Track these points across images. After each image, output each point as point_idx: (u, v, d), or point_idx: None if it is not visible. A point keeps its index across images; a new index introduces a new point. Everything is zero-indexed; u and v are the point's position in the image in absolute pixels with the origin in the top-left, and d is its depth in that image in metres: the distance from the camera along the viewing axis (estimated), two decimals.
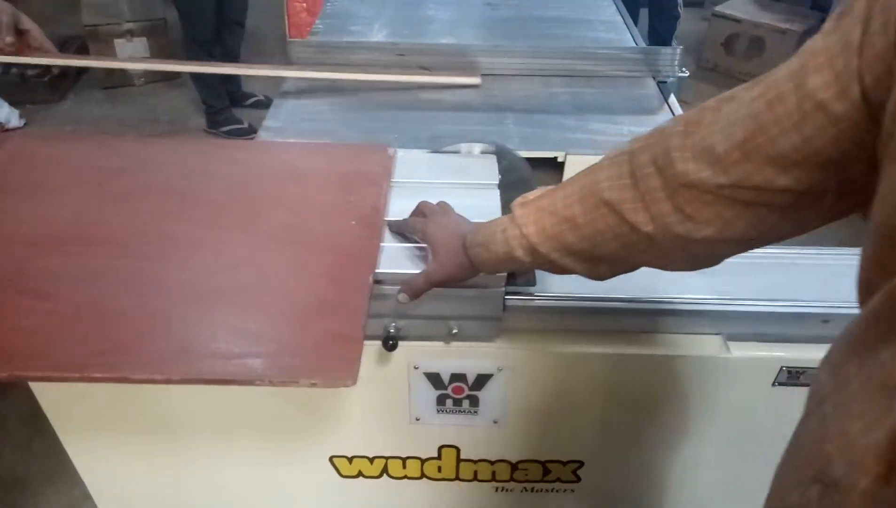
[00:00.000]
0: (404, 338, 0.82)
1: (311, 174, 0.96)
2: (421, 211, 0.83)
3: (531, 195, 0.67)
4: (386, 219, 0.87)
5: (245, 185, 0.94)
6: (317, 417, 0.92)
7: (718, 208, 0.52)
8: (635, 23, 3.61)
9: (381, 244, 0.83)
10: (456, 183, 0.94)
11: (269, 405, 0.90)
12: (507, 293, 0.81)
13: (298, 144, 1.06)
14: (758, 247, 0.57)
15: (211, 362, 0.69)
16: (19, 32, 1.09)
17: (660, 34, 3.53)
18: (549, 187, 0.67)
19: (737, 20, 3.65)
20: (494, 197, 0.91)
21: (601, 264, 0.65)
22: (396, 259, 0.80)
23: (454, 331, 0.82)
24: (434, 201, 0.85)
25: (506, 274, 0.79)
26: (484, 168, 0.98)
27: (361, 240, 0.83)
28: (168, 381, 0.68)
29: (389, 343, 0.80)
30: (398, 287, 0.76)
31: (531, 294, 0.84)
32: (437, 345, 0.84)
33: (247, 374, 0.68)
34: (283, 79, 1.25)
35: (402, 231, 0.85)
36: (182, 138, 0.98)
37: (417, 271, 0.76)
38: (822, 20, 3.34)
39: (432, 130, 1.07)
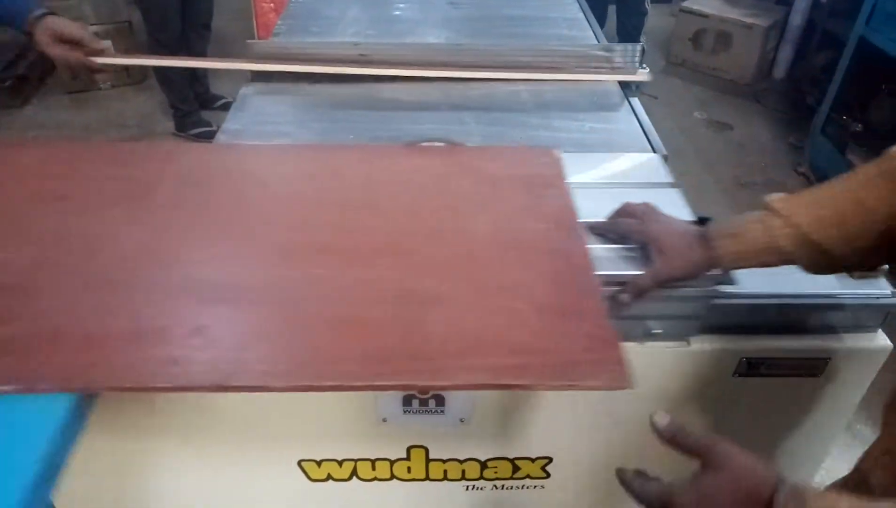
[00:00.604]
0: None
1: (491, 178, 0.94)
2: (629, 212, 0.82)
3: (778, 195, 0.73)
4: (582, 221, 0.86)
5: (430, 190, 0.92)
6: (284, 421, 0.91)
7: None
8: (603, 19, 3.66)
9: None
10: (635, 183, 0.94)
11: (236, 411, 0.89)
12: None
13: (464, 148, 1.04)
14: None
15: (484, 362, 0.68)
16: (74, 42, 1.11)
17: (628, 30, 3.56)
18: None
19: (704, 15, 3.70)
20: (677, 195, 0.91)
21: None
22: (601, 260, 0.80)
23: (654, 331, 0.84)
24: (611, 202, 0.85)
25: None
26: (646, 167, 0.98)
27: (567, 242, 0.82)
28: (454, 387, 0.69)
29: None
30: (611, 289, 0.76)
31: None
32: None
33: (527, 378, 0.67)
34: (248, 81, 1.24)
35: (607, 232, 0.84)
36: (342, 147, 0.96)
37: (640, 272, 0.77)
38: (787, 15, 3.38)
39: (392, 130, 1.07)
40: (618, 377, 0.67)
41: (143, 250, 0.81)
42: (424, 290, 0.76)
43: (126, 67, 3.56)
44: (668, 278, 0.76)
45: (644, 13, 3.51)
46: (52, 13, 1.13)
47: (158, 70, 3.09)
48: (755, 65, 3.62)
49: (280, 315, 0.73)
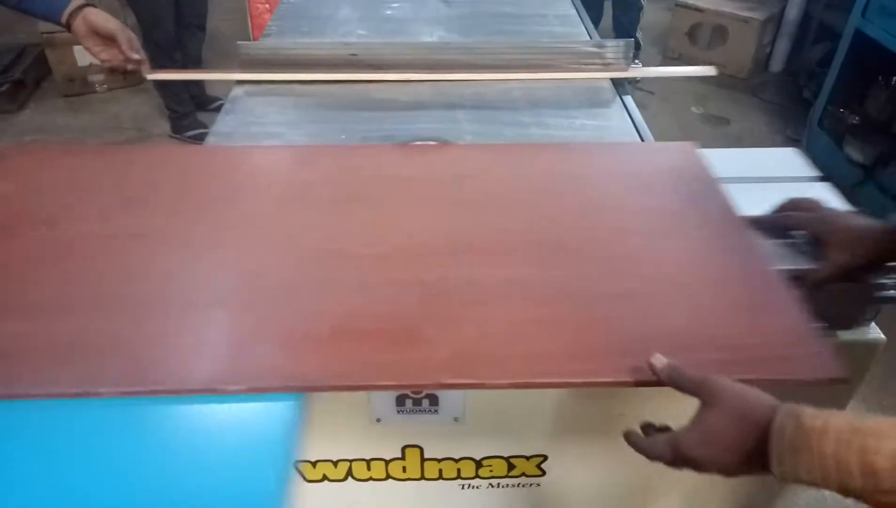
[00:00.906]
0: None
1: (635, 174, 0.94)
2: (797, 206, 0.82)
3: None
4: (745, 216, 0.85)
5: (574, 188, 0.92)
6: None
7: None
8: (599, 15, 3.66)
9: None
10: (782, 177, 0.93)
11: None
12: None
13: (600, 146, 1.04)
14: None
15: (691, 357, 0.67)
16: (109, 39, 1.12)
17: (624, 26, 3.56)
18: None
19: (699, 10, 3.69)
20: (826, 189, 0.90)
21: None
22: (773, 255, 0.80)
23: None
24: (760, 196, 0.84)
25: None
26: (784, 161, 0.97)
27: (737, 237, 0.82)
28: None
29: None
30: None
31: None
32: None
33: (749, 373, 0.66)
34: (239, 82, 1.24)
35: (773, 226, 0.83)
36: (491, 147, 0.97)
37: (813, 266, 0.76)
38: (784, 8, 3.36)
39: (385, 130, 1.07)
40: (832, 368, 0.66)
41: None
42: (611, 288, 0.76)
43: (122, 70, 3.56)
44: (847, 267, 0.74)
45: (640, 8, 3.50)
46: (90, 4, 1.13)
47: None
48: (752, 59, 3.61)
49: (483, 314, 0.74)
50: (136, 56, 1.12)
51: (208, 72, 1.33)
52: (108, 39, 1.13)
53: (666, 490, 1.03)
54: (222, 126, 1.11)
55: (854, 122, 2.69)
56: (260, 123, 1.10)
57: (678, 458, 0.60)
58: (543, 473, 0.99)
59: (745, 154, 1.00)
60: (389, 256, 0.81)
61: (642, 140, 1.08)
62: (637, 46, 3.71)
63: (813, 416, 0.53)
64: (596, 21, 3.57)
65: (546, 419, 0.93)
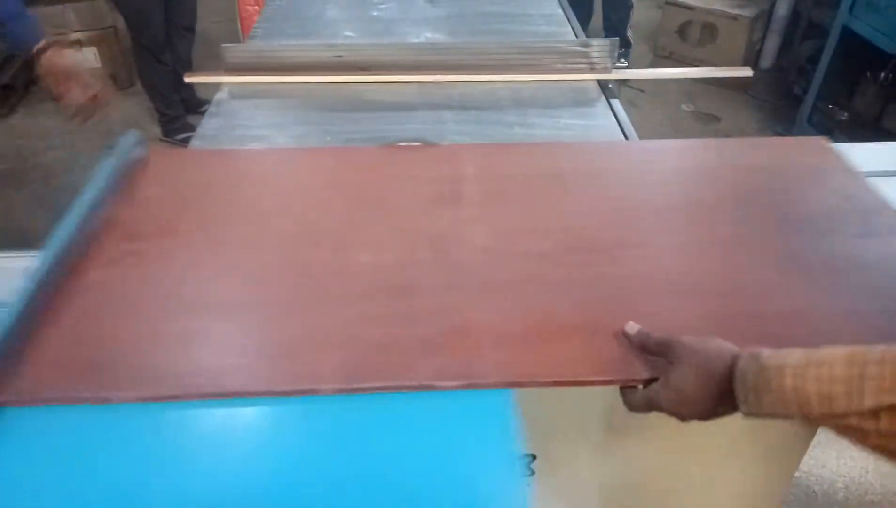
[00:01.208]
0: None
1: (779, 170, 0.93)
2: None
3: None
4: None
5: (711, 185, 0.91)
6: None
7: None
8: (590, 13, 3.66)
9: None
10: None
11: None
12: None
13: (727, 142, 1.03)
14: None
15: None
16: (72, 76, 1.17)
17: (614, 24, 3.56)
18: None
19: (689, 7, 3.70)
20: None
21: None
22: None
23: None
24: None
25: None
26: None
27: None
28: None
29: None
30: None
31: None
32: None
33: None
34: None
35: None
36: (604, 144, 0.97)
37: None
38: (772, 6, 3.36)
39: (370, 131, 1.07)
40: None
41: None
42: (778, 295, 0.74)
43: (112, 73, 3.56)
44: None
45: (630, 6, 3.51)
46: (56, 43, 1.18)
47: (144, 75, 3.08)
48: (741, 56, 3.62)
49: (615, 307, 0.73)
50: (91, 92, 1.17)
51: (209, 75, 1.32)
52: (70, 78, 1.17)
53: (658, 488, 1.03)
54: (207, 129, 1.11)
55: (843, 117, 2.70)
56: (244, 127, 1.10)
57: (656, 411, 0.64)
58: (532, 473, 0.99)
59: (879, 148, 1.01)
60: (564, 249, 0.80)
61: (626, 139, 1.09)
62: (628, 45, 3.72)
63: (770, 356, 0.56)
64: (586, 20, 3.58)
65: (536, 419, 0.92)
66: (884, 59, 2.48)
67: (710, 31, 3.68)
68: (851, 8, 2.54)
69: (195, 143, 1.05)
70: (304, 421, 0.62)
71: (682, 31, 3.76)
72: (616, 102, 1.19)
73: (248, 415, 0.63)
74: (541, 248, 0.81)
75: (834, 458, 1.59)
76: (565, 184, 0.92)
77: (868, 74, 2.63)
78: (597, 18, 3.70)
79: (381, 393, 0.64)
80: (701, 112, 3.47)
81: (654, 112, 3.39)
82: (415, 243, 0.81)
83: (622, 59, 1.22)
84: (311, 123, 1.12)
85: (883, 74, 2.57)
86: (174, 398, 0.63)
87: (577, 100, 1.21)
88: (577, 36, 1.48)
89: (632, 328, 0.69)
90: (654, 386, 0.65)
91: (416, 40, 1.44)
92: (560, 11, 1.59)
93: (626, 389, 0.69)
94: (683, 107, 3.52)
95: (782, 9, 3.54)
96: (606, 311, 0.72)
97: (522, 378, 0.66)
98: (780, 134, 3.21)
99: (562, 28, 1.51)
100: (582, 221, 0.85)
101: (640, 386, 0.68)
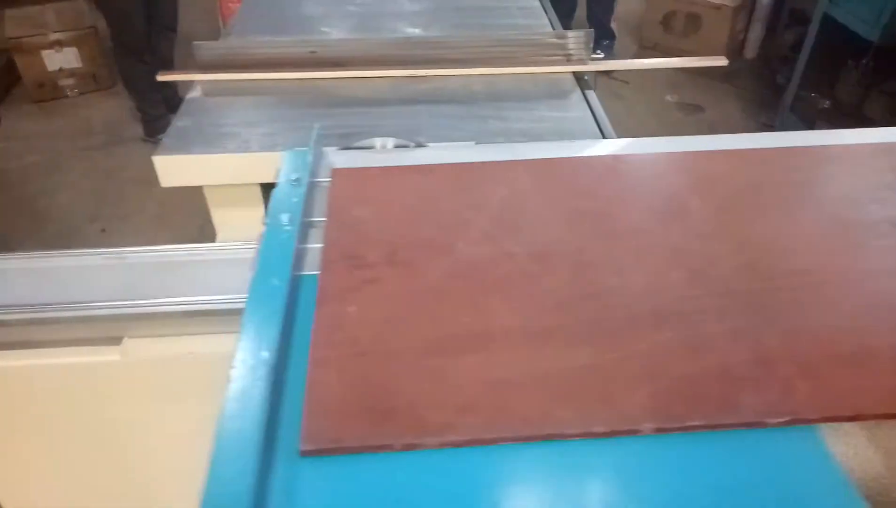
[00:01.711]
0: None
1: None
2: None
3: None
4: None
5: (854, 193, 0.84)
6: None
7: None
8: (573, 6, 3.65)
9: None
10: None
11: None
12: None
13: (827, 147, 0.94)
14: None
15: None
16: None
17: (598, 16, 3.56)
18: None
19: None
20: None
21: None
22: None
23: None
24: None
25: None
26: None
27: None
28: None
29: None
30: None
31: None
32: None
33: None
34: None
35: None
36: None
37: None
38: None
39: (344, 127, 1.06)
40: None
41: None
42: None
43: (93, 74, 3.53)
44: None
45: None
46: None
47: (125, 75, 3.06)
48: (726, 45, 3.63)
49: None
50: None
51: (183, 73, 1.30)
52: None
53: None
54: (177, 128, 1.10)
55: (825, 106, 2.72)
56: (216, 125, 1.09)
57: None
58: None
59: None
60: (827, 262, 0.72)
61: (601, 131, 1.08)
62: (612, 37, 3.72)
63: None
64: (570, 12, 3.58)
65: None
66: (864, 47, 2.49)
67: (693, 21, 3.68)
68: None
69: (165, 141, 1.04)
70: (618, 460, 0.55)
71: (666, 21, 3.77)
72: (591, 94, 1.19)
73: (552, 456, 0.55)
74: (804, 263, 0.72)
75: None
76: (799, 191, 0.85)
77: (849, 61, 2.64)
78: (581, 11, 3.70)
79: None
80: (685, 102, 3.48)
81: (637, 103, 3.40)
82: (656, 260, 0.72)
83: (598, 52, 1.22)
84: (284, 119, 1.11)
85: (864, 62, 2.58)
86: (484, 442, 0.55)
87: (552, 92, 1.21)
88: (553, 28, 1.48)
89: None
90: None
91: (392, 35, 1.43)
92: (537, 3, 1.59)
93: None
94: (668, 98, 3.52)
95: None
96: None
97: (846, 412, 0.58)
98: (765, 124, 3.22)
99: (539, 21, 1.51)
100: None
101: None
